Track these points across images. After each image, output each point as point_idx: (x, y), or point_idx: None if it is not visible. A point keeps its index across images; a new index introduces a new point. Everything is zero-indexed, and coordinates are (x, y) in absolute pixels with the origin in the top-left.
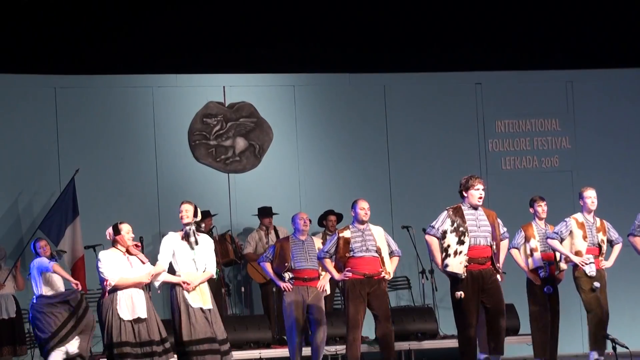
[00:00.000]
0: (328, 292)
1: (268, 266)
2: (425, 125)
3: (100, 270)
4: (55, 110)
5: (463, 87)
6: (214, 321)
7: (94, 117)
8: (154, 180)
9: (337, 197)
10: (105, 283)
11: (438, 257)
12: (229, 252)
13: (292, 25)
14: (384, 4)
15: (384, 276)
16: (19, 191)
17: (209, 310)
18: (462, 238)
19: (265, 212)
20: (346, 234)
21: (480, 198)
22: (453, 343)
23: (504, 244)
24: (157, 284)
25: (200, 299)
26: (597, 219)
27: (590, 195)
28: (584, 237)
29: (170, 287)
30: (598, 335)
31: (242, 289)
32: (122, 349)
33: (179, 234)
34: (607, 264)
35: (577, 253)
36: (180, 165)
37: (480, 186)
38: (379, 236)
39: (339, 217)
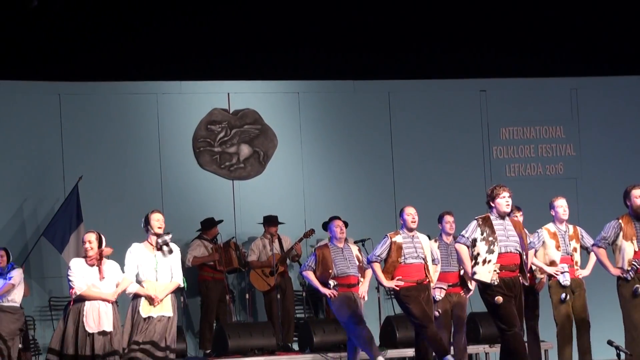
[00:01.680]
0: (367, 299)
1: (311, 275)
2: (430, 132)
3: (69, 277)
4: (59, 116)
5: (468, 94)
6: (164, 328)
7: (98, 124)
8: (158, 187)
9: (342, 204)
10: (71, 291)
11: (468, 264)
12: (233, 260)
13: (296, 32)
14: (389, 11)
15: (429, 282)
16: (24, 198)
17: (165, 318)
18: (491, 247)
19: (271, 221)
20: (398, 239)
21: (508, 205)
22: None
23: (530, 253)
24: (129, 296)
25: (154, 309)
26: (570, 227)
27: (562, 205)
28: (557, 247)
29: (133, 296)
30: (565, 349)
31: (247, 296)
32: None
33: (143, 245)
34: (584, 272)
35: (552, 263)
36: (184, 172)
37: (507, 194)
38: (426, 244)
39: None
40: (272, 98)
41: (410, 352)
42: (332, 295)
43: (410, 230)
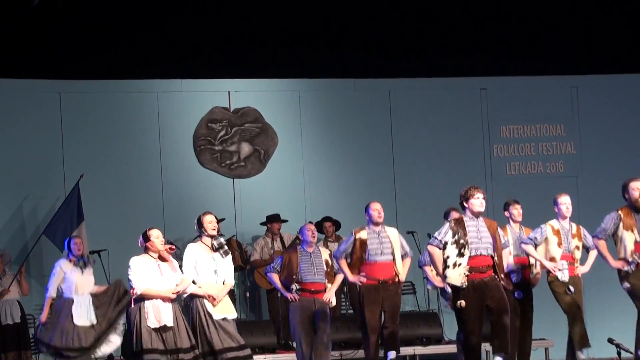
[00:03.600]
0: (333, 304)
1: (275, 277)
2: (430, 131)
3: (129, 277)
4: (60, 115)
5: (468, 93)
6: (229, 328)
7: (99, 122)
8: (158, 185)
9: (342, 202)
10: (132, 291)
11: (440, 267)
12: (235, 258)
13: (297, 30)
14: (389, 10)
15: (397, 281)
16: (24, 196)
17: (232, 319)
18: (462, 250)
19: (274, 218)
20: (363, 234)
21: (481, 206)
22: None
23: (505, 253)
24: (184, 295)
25: (223, 309)
26: (573, 225)
27: (565, 202)
28: (559, 244)
29: (190, 297)
30: (583, 334)
31: (248, 294)
32: (150, 356)
33: (198, 245)
34: (583, 269)
35: (552, 259)
36: (185, 171)
37: (480, 195)
38: (394, 238)
39: (337, 225)
40: (272, 96)
41: (410, 350)
42: (293, 299)
43: (376, 224)
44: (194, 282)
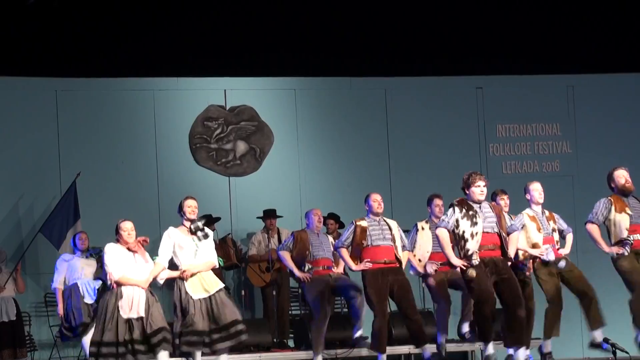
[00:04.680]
0: (343, 272)
1: (287, 255)
2: (426, 130)
3: (105, 263)
4: (56, 113)
5: (464, 92)
6: (221, 305)
7: (95, 120)
8: (154, 183)
9: (338, 201)
10: (108, 276)
11: (449, 249)
12: (230, 256)
13: (293, 28)
14: (385, 9)
15: (400, 265)
16: (20, 194)
17: (214, 295)
18: (474, 220)
19: (269, 214)
20: (363, 223)
21: (482, 194)
22: (452, 347)
23: (514, 236)
24: (160, 282)
25: (201, 288)
26: (545, 211)
27: (537, 188)
28: (538, 229)
29: (173, 281)
30: (554, 324)
31: (242, 292)
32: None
33: (179, 229)
34: (564, 251)
35: (535, 245)
36: (180, 169)
37: (482, 183)
38: (394, 228)
39: (340, 224)
40: (268, 95)
41: (405, 349)
42: (306, 279)
43: (376, 215)
44: (175, 267)
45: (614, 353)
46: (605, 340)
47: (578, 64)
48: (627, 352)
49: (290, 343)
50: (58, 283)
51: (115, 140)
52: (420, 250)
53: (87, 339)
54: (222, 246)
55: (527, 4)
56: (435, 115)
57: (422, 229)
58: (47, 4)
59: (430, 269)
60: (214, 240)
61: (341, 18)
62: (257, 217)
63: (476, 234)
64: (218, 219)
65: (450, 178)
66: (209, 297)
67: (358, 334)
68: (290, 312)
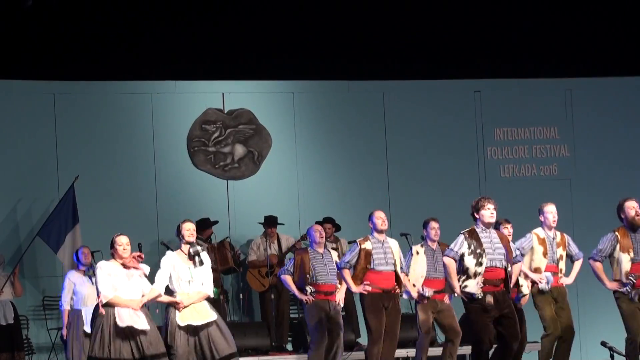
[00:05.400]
0: (342, 305)
1: (289, 279)
2: (424, 133)
3: (97, 282)
4: (54, 116)
5: (462, 95)
6: (212, 341)
7: (93, 124)
8: (152, 186)
9: (336, 204)
10: (98, 298)
11: (455, 278)
12: (228, 260)
13: (291, 32)
14: (383, 12)
15: (397, 291)
16: (18, 198)
17: (204, 331)
18: (479, 260)
19: (270, 222)
20: (367, 245)
21: (492, 216)
22: None
23: (517, 267)
24: (147, 305)
25: (190, 317)
26: (558, 233)
27: (551, 211)
28: (544, 254)
29: (166, 306)
30: (550, 352)
31: (241, 296)
32: None
33: (176, 254)
34: (567, 280)
35: (537, 270)
36: (178, 172)
37: (491, 206)
38: (396, 250)
39: (337, 227)
40: (266, 98)
41: (404, 352)
42: (308, 301)
43: (380, 232)
44: (170, 292)
45: (612, 356)
46: (604, 343)
47: (576, 68)
48: (624, 356)
49: (289, 346)
50: (66, 304)
51: (113, 144)
52: (414, 274)
53: None
54: (219, 250)
55: (525, 7)
56: (433, 118)
57: (417, 253)
58: (45, 7)
59: (428, 292)
60: (212, 244)
61: (339, 21)
62: (258, 223)
63: (478, 274)
64: (216, 222)
65: (448, 181)
66: (198, 333)
67: None
68: (289, 316)
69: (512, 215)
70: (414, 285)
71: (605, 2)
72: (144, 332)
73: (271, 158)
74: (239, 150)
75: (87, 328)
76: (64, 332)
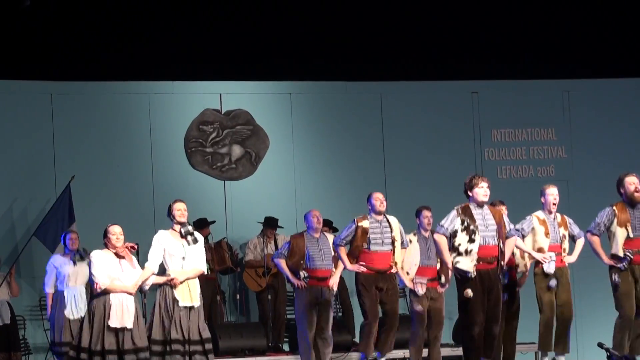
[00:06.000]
0: (335, 289)
1: (282, 263)
2: (422, 134)
3: (91, 271)
4: (51, 116)
5: (459, 96)
6: (196, 319)
7: (90, 124)
8: (149, 187)
9: (333, 205)
10: (95, 285)
11: (447, 255)
12: (225, 260)
13: (288, 33)
14: (381, 13)
15: (394, 271)
16: (14, 197)
17: (193, 307)
18: (472, 237)
19: (270, 224)
20: (365, 223)
21: (485, 195)
22: (447, 352)
23: (511, 242)
24: (146, 287)
25: (188, 296)
26: (558, 215)
27: (552, 193)
28: (546, 234)
29: (158, 286)
30: (546, 337)
31: (238, 296)
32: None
33: (169, 233)
34: (570, 259)
35: (540, 250)
36: (176, 173)
37: (485, 184)
38: (395, 226)
39: (334, 229)
40: (264, 99)
41: (401, 353)
42: (301, 287)
43: (378, 214)
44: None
45: (609, 358)
46: (600, 345)
47: (573, 69)
48: (621, 357)
49: (286, 347)
50: (49, 287)
51: (111, 144)
52: (407, 262)
53: None
54: (217, 250)
55: (522, 8)
56: (431, 119)
57: (410, 241)
58: (42, 7)
59: (421, 290)
60: (210, 244)
61: (337, 22)
62: (258, 222)
63: (470, 251)
64: (213, 222)
65: (446, 182)
66: (190, 308)
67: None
68: (286, 316)
69: (510, 216)
70: (407, 273)
71: (603, 3)
72: (127, 329)
73: (268, 159)
74: (237, 151)
75: (70, 313)
76: (49, 314)
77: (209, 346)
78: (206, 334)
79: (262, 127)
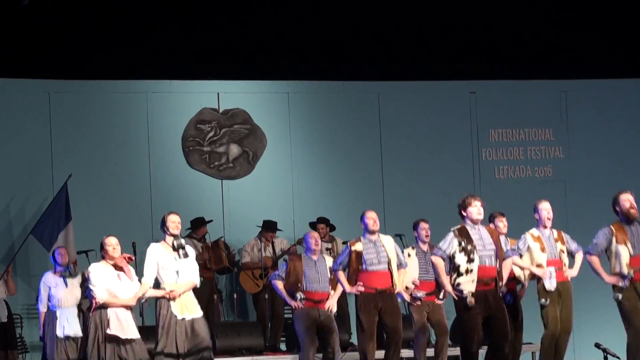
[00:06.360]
0: (334, 311)
1: (280, 285)
2: (419, 134)
3: (89, 285)
4: (49, 115)
5: (457, 96)
6: (197, 330)
7: (88, 123)
8: (147, 186)
9: (331, 204)
10: (93, 300)
11: (444, 277)
12: (222, 259)
13: (286, 32)
14: (379, 13)
15: (395, 291)
16: (11, 196)
17: (194, 319)
18: (471, 256)
19: (269, 227)
20: (358, 246)
21: (480, 214)
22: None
23: (508, 263)
24: (143, 300)
25: (186, 309)
26: (554, 231)
27: (546, 208)
28: (542, 249)
29: (155, 300)
30: (548, 352)
31: (235, 296)
32: None
33: (161, 245)
34: (572, 272)
35: (539, 266)
36: (173, 172)
37: (478, 202)
38: (390, 247)
39: (331, 227)
40: (261, 98)
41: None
42: (297, 308)
43: (372, 233)
44: (159, 285)
45: (606, 358)
46: (597, 345)
47: (571, 70)
48: (618, 358)
49: (283, 346)
50: (43, 306)
51: (108, 143)
52: (408, 277)
53: None
54: (214, 249)
55: (520, 9)
56: (428, 119)
57: (409, 255)
58: (40, 6)
59: (420, 293)
60: (207, 243)
61: (335, 22)
62: (257, 226)
63: (470, 271)
64: (210, 221)
65: (443, 182)
66: (190, 319)
67: None
68: (283, 316)
69: (507, 216)
70: (406, 288)
71: (601, 4)
72: (129, 340)
73: (266, 158)
74: (234, 150)
75: (59, 331)
76: (41, 332)
77: (208, 354)
78: (206, 343)
79: (260, 127)
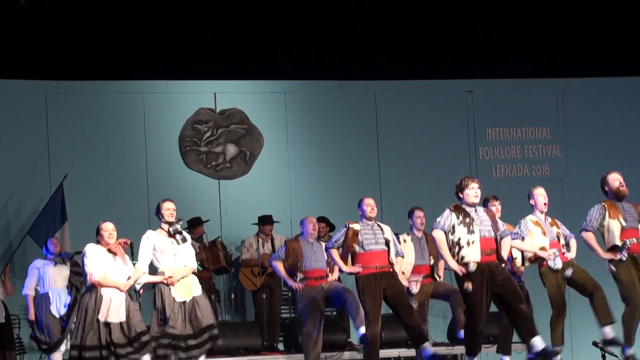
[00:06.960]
0: (336, 278)
1: (280, 266)
2: (416, 133)
3: (85, 263)
4: (45, 115)
5: (454, 95)
6: (200, 308)
7: (85, 123)
8: (144, 186)
9: (328, 204)
10: (88, 277)
11: (446, 250)
12: (220, 259)
13: (283, 32)
14: (375, 12)
15: (393, 270)
16: (8, 196)
17: (194, 298)
18: (470, 228)
19: (266, 220)
20: (356, 226)
21: (476, 196)
22: (443, 351)
23: (506, 241)
24: (138, 286)
25: (187, 291)
26: (548, 217)
27: (541, 193)
28: (543, 233)
29: (153, 285)
30: (558, 332)
31: (232, 296)
32: (91, 353)
33: (157, 232)
34: (570, 255)
35: (542, 249)
36: (170, 172)
37: (475, 185)
38: (388, 232)
39: (331, 227)
40: (258, 98)
41: (395, 352)
42: (298, 289)
43: (369, 219)
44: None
45: (604, 357)
46: (595, 344)
47: (568, 68)
48: (616, 356)
49: (280, 346)
50: (28, 289)
51: (105, 143)
52: (403, 262)
53: (55, 357)
54: (211, 249)
55: (517, 8)
56: (425, 118)
57: (404, 241)
58: (37, 6)
59: (415, 288)
60: (204, 243)
61: (331, 21)
62: (253, 224)
63: (472, 242)
64: (207, 221)
65: (440, 181)
66: (191, 299)
67: (362, 330)
68: (280, 316)
69: (504, 215)
70: (402, 273)
71: (597, 3)
72: (120, 322)
73: (263, 158)
74: (231, 150)
75: (55, 312)
76: (31, 315)
77: (216, 331)
78: (211, 319)
79: (257, 126)
